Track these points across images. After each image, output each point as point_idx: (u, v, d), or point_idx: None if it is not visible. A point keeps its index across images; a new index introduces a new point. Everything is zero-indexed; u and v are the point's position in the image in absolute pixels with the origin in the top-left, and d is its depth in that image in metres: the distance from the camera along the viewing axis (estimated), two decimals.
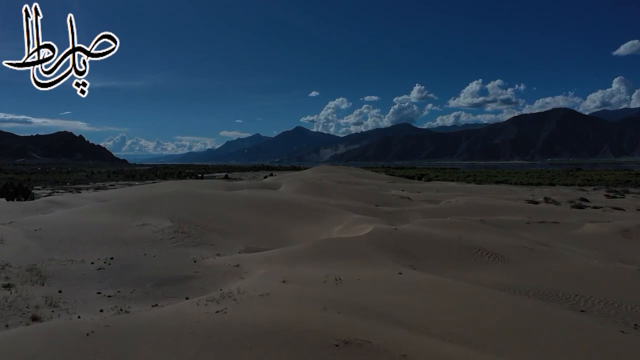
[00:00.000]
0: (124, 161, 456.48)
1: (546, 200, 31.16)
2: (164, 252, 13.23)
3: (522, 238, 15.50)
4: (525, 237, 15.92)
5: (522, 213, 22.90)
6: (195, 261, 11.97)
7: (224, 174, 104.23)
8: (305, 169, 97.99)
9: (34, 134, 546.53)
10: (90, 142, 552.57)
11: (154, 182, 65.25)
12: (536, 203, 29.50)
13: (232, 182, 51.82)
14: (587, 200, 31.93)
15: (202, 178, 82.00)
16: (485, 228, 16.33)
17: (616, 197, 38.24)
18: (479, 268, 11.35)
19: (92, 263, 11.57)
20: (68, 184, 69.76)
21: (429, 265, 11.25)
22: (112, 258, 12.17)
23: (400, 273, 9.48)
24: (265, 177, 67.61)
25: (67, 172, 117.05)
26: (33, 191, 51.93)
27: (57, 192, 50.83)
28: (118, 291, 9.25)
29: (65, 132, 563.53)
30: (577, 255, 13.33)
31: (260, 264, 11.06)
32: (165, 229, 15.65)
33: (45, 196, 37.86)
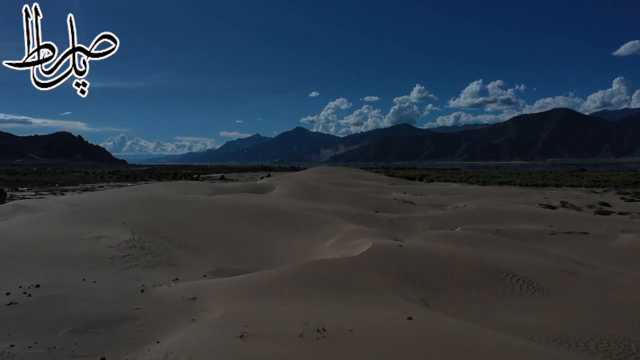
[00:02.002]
0: (123, 162, 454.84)
1: (563, 204, 28.44)
2: (110, 275, 10.54)
3: (553, 256, 12.77)
4: (556, 254, 13.22)
5: (542, 221, 20.17)
6: (142, 290, 9.29)
7: (221, 174, 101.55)
8: (304, 169, 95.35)
9: (33, 135, 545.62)
10: (90, 142, 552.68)
11: (146, 183, 62.53)
12: (553, 208, 26.76)
13: (224, 183, 49.06)
14: (608, 205, 29.19)
15: (198, 179, 79.25)
16: (506, 243, 13.59)
17: (633, 200, 35.61)
18: (512, 303, 8.67)
19: (8, 294, 8.86)
20: (57, 185, 67.05)
21: (446, 299, 8.57)
22: (37, 286, 9.47)
23: (410, 318, 6.80)
24: (262, 178, 64.89)
25: (61, 173, 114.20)
26: (17, 193, 49.36)
27: (41, 193, 48.01)
28: (12, 345, 6.55)
29: (64, 132, 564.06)
30: (630, 280, 10.65)
31: (222, 297, 8.39)
32: (122, 243, 12.94)
33: (20, 199, 35.10)
